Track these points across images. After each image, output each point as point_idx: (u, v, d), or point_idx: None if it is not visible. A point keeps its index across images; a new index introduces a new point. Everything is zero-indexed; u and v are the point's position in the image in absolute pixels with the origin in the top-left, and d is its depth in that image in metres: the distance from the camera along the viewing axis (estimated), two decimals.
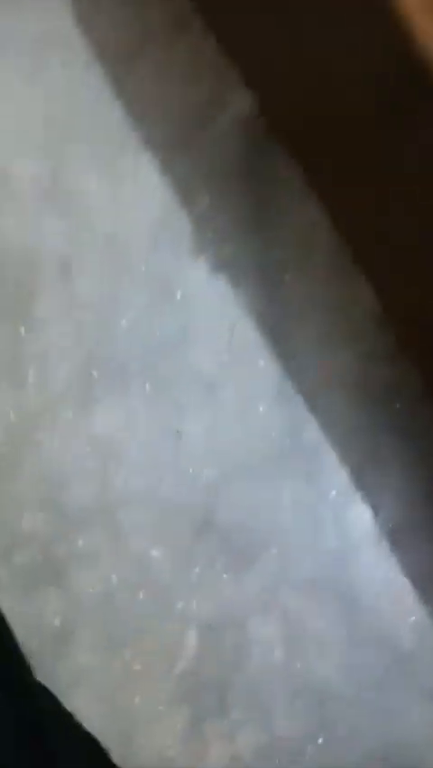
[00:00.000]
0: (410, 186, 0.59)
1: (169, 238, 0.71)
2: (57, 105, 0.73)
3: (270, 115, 0.74)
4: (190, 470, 0.67)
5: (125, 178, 0.72)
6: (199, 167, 0.73)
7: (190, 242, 0.72)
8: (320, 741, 0.64)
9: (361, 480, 0.69)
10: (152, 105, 0.74)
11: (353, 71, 0.58)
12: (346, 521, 0.68)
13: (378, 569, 0.67)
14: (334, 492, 0.68)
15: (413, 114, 0.53)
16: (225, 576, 0.66)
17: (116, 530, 0.66)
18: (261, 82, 0.74)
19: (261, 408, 0.69)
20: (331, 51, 0.59)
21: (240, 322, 0.71)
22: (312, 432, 0.69)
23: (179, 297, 0.70)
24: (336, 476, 0.68)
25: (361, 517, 0.68)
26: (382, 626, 0.66)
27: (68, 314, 0.68)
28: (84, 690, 0.64)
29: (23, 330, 0.68)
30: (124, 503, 0.66)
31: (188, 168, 0.73)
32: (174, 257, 0.71)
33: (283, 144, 0.74)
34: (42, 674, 0.66)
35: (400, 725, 0.64)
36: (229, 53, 0.76)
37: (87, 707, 0.64)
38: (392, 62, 0.51)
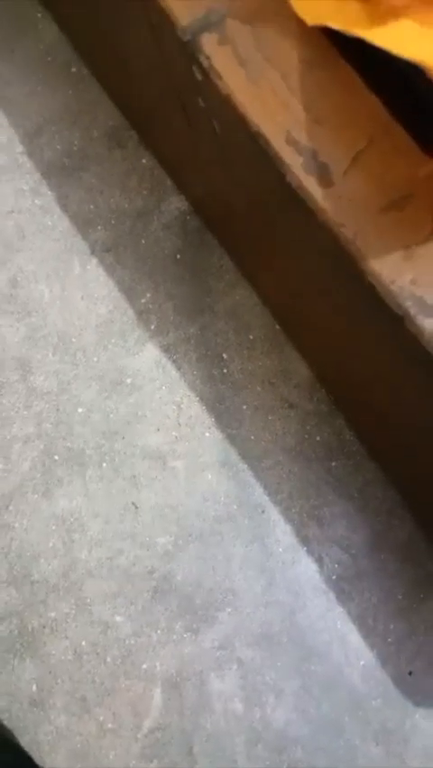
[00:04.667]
0: (317, 268, 0.66)
1: (117, 331, 0.79)
2: (10, 224, 0.82)
3: (201, 215, 0.83)
4: (147, 539, 0.74)
5: (75, 282, 0.80)
6: (141, 265, 0.82)
7: (136, 333, 0.79)
8: None
9: (305, 535, 0.74)
10: (95, 215, 0.83)
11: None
12: (294, 575, 0.73)
13: (326, 618, 0.72)
14: (280, 549, 0.74)
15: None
16: (184, 635, 0.71)
17: (83, 600, 0.72)
18: (191, 186, 0.83)
19: (209, 476, 0.76)
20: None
21: (185, 399, 0.78)
22: (257, 493, 0.75)
23: (128, 382, 0.78)
24: (281, 533, 0.74)
25: (307, 571, 0.73)
26: (334, 672, 0.70)
27: (28, 406, 0.76)
28: (63, 751, 0.69)
29: None
30: (88, 574, 0.72)
31: (130, 267, 0.81)
32: (122, 347, 0.79)
33: (214, 238, 0.83)
34: (24, 740, 0.72)
35: (356, 764, 0.68)
36: (162, 163, 0.85)
37: (66, 766, 0.69)
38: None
